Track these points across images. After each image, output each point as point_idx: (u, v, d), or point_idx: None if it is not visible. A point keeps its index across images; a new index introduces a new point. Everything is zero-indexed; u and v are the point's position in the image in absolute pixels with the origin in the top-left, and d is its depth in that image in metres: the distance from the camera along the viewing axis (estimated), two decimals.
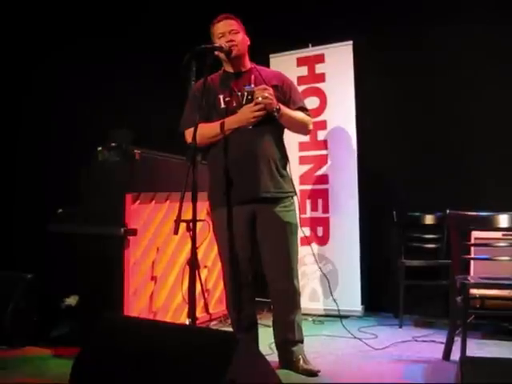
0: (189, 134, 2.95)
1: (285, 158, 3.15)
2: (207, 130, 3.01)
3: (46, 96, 4.82)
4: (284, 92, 3.13)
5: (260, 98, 2.93)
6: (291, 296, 3.10)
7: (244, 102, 3.02)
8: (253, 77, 3.10)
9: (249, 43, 3.15)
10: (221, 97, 3.08)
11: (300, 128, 3.24)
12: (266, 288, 3.16)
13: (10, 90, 4.74)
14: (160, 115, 4.90)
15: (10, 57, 4.70)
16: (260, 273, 3.13)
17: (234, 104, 3.04)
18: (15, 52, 4.76)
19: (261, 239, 3.07)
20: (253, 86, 3.03)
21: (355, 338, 3.77)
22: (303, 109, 3.18)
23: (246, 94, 3.01)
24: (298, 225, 3.20)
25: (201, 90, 2.89)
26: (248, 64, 3.16)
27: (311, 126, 3.26)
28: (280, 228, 3.04)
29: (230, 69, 3.14)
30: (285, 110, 3.03)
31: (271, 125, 3.03)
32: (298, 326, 3.12)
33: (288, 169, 3.16)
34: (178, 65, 2.85)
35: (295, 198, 3.18)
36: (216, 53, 3.02)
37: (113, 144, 3.62)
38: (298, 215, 3.22)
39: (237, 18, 3.13)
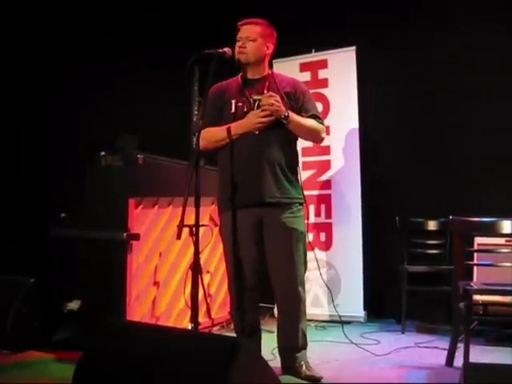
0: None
1: (294, 165, 3.14)
2: (214, 134, 3.03)
3: (47, 98, 4.81)
4: (297, 99, 3.13)
5: (266, 105, 2.94)
6: (296, 303, 3.07)
7: (255, 109, 3.03)
8: (267, 83, 3.11)
9: (269, 51, 3.15)
10: (233, 101, 3.09)
11: (310, 136, 3.22)
12: (269, 293, 3.15)
13: (9, 93, 4.74)
14: (163, 119, 4.92)
15: (8, 57, 4.70)
16: (264, 277, 3.12)
17: (245, 109, 3.05)
18: (14, 52, 4.75)
19: (266, 244, 3.06)
20: (265, 92, 3.04)
21: (357, 344, 3.76)
22: (316, 117, 3.16)
23: (255, 101, 3.03)
24: (306, 232, 3.18)
25: (206, 96, 2.90)
26: (265, 71, 3.16)
27: (324, 134, 3.21)
28: (285, 234, 3.03)
29: (245, 74, 3.15)
30: (293, 117, 3.02)
31: (279, 131, 3.02)
32: (303, 333, 3.11)
33: (298, 175, 3.15)
34: (182, 69, 2.85)
35: (304, 205, 3.16)
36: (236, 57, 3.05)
37: (117, 149, 3.63)
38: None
39: (263, 23, 3.12)
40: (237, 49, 3.05)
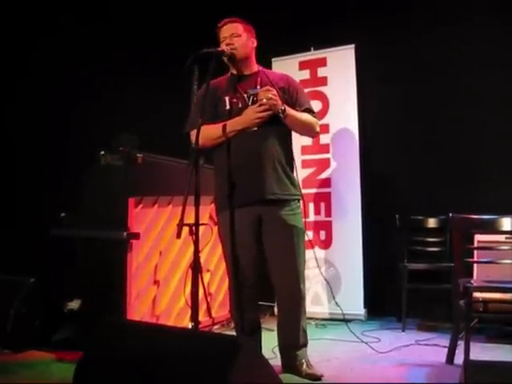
0: (194, 135, 2.95)
1: (291, 161, 3.14)
2: (211, 132, 3.01)
3: (45, 97, 4.81)
4: (290, 94, 3.13)
5: (264, 100, 2.93)
6: (297, 300, 3.07)
7: (250, 104, 3.02)
8: (259, 79, 3.11)
9: (255, 45, 3.16)
10: (226, 98, 3.08)
11: (306, 130, 3.21)
12: (269, 291, 3.14)
13: (6, 91, 4.73)
14: (162, 118, 4.91)
15: (5, 53, 4.69)
16: (263, 276, 3.11)
17: (240, 105, 3.04)
18: (11, 48, 4.74)
19: (266, 242, 3.06)
20: (258, 87, 3.04)
21: (358, 341, 3.76)
22: (310, 111, 3.17)
23: (251, 96, 3.02)
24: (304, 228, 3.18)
25: (203, 93, 2.90)
26: (254, 67, 3.17)
27: (318, 128, 3.23)
28: (286, 231, 3.03)
29: (235, 71, 3.15)
30: (290, 111, 3.02)
31: (277, 127, 3.02)
32: (303, 330, 3.11)
33: (295, 172, 3.15)
34: (181, 68, 2.85)
35: (301, 201, 3.16)
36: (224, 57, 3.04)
37: (117, 148, 3.62)
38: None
39: (242, 21, 3.13)
40: (224, 47, 3.04)
